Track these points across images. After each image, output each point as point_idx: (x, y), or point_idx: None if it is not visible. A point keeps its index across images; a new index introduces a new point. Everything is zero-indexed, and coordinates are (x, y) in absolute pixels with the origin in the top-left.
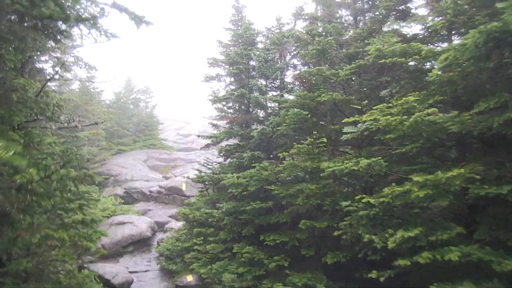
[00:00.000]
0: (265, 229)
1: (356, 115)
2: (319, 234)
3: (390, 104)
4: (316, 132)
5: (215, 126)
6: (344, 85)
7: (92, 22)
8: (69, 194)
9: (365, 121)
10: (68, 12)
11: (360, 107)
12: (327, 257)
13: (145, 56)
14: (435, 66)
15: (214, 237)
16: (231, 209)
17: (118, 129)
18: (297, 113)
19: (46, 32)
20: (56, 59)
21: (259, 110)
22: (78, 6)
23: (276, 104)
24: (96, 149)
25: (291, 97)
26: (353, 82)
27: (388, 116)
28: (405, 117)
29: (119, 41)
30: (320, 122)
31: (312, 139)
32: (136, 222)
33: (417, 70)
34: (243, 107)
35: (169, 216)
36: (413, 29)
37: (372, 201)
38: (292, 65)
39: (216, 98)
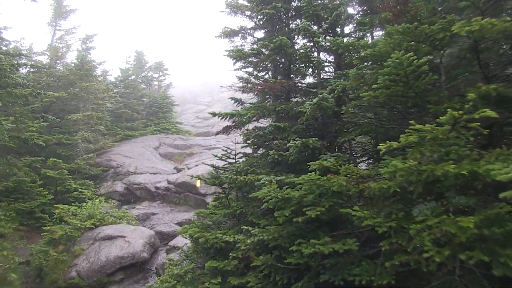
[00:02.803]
0: None
1: None
2: None
3: None
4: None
5: (238, 101)
6: (485, 10)
7: None
8: None
9: None
10: None
11: None
12: None
13: (157, 28)
14: None
15: (239, 280)
16: (270, 241)
17: (126, 111)
18: (404, 61)
19: None
20: None
21: (306, 73)
22: None
23: (332, 65)
24: (93, 135)
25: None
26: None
27: None
28: None
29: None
30: None
31: (458, 114)
32: (129, 237)
33: None
34: (281, 66)
35: (178, 223)
36: None
37: None
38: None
39: (240, 54)
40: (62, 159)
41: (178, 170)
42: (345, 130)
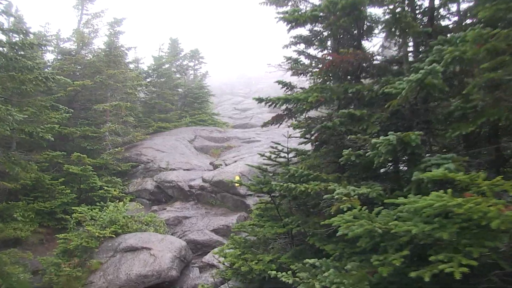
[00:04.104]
0: None
1: None
2: None
3: None
4: None
5: (287, 86)
6: None
7: None
8: None
9: None
10: None
11: None
12: None
13: (193, 15)
14: None
15: None
16: None
17: (159, 101)
18: None
19: None
20: None
21: (388, 43)
22: None
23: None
24: (121, 127)
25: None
26: None
27: None
28: None
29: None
30: None
31: None
32: (155, 249)
33: None
34: (344, 39)
35: (214, 230)
36: None
37: None
38: None
39: (297, 16)
40: (87, 153)
41: (215, 167)
42: (451, 120)
